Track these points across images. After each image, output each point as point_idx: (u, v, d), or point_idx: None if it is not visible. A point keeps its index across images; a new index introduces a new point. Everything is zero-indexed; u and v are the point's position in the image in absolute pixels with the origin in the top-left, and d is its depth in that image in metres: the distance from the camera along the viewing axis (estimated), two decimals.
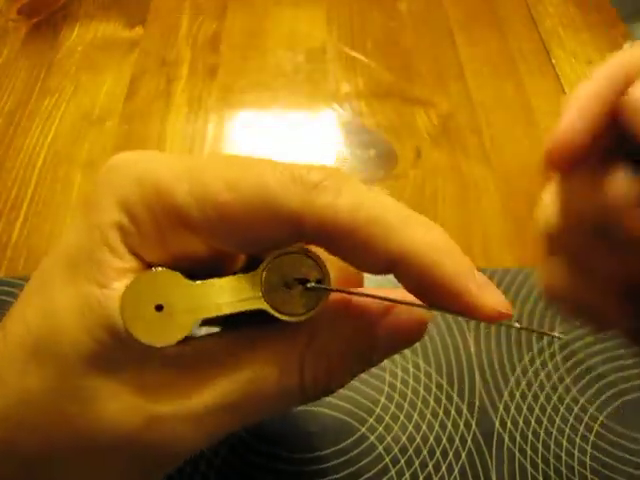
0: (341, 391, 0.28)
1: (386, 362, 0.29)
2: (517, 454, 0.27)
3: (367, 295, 0.16)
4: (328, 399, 0.28)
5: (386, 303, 0.16)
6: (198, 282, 0.14)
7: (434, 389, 0.28)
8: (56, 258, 0.16)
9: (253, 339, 0.16)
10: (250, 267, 0.15)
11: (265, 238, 0.14)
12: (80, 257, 0.15)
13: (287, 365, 0.15)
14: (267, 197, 0.14)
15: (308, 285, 0.14)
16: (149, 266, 0.15)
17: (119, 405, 0.15)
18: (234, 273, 0.15)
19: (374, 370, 0.29)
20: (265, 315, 0.15)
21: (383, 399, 0.28)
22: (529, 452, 0.27)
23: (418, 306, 0.15)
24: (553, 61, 0.46)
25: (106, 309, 0.14)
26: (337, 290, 0.15)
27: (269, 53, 0.45)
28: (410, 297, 0.15)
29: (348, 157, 0.39)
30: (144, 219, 0.14)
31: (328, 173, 0.14)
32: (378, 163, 0.38)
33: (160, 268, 0.14)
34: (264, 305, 0.14)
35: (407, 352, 0.30)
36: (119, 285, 0.14)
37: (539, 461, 0.27)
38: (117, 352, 0.15)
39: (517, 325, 0.15)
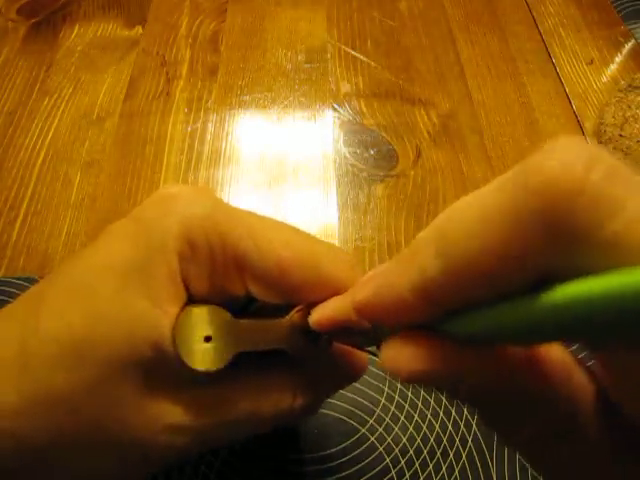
0: (341, 392, 0.28)
1: None
2: (518, 454, 0.27)
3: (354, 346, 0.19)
4: (328, 400, 0.28)
5: (350, 348, 0.19)
6: (243, 321, 0.17)
7: (435, 389, 0.28)
8: (101, 265, 0.17)
9: (257, 370, 0.18)
10: (248, 306, 0.19)
11: (304, 294, 0.17)
12: (135, 273, 0.16)
13: (283, 392, 0.18)
14: (318, 264, 0.17)
15: (324, 336, 0.17)
16: (190, 295, 0.17)
17: (142, 413, 0.16)
18: (256, 316, 0.17)
19: (374, 371, 0.29)
20: (280, 351, 0.17)
21: (383, 400, 0.28)
22: None
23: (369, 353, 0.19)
24: (553, 61, 0.46)
25: (157, 328, 0.16)
26: (341, 342, 0.18)
27: (269, 53, 0.45)
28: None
29: (348, 157, 0.39)
30: (204, 254, 0.16)
31: (356, 260, 0.18)
32: (378, 163, 0.38)
33: (212, 305, 0.17)
34: (288, 346, 0.17)
35: None
36: (171, 309, 0.16)
37: None
38: (154, 368, 0.16)
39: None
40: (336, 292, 0.17)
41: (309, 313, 0.17)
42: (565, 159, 0.09)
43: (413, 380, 0.12)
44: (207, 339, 0.16)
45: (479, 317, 0.11)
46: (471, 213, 0.10)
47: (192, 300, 0.17)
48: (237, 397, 0.17)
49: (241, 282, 0.17)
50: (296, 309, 0.17)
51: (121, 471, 0.17)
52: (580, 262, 0.10)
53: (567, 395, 0.13)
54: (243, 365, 0.18)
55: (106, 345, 0.16)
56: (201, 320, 0.16)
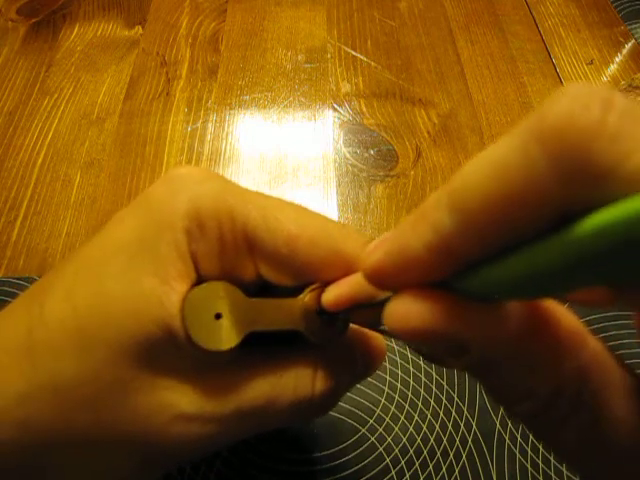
0: None
1: (386, 363, 0.29)
2: (518, 454, 0.27)
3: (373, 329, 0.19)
4: None
5: (372, 333, 0.19)
6: (254, 299, 0.16)
7: (435, 389, 0.28)
8: (109, 246, 0.16)
9: (274, 352, 0.17)
10: (264, 291, 0.18)
11: (316, 274, 0.16)
12: (143, 251, 0.16)
13: (301, 377, 0.17)
14: (331, 241, 0.16)
15: (339, 316, 0.17)
16: (199, 276, 0.16)
17: (152, 400, 0.15)
18: (272, 296, 0.17)
19: None
20: (294, 334, 0.17)
21: (383, 400, 0.28)
22: (530, 452, 0.27)
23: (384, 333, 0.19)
24: (553, 61, 0.46)
25: (164, 306, 0.15)
26: (357, 323, 0.18)
27: (269, 53, 0.45)
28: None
29: (348, 157, 0.39)
30: (212, 233, 0.16)
31: (369, 237, 0.17)
32: (378, 163, 0.38)
33: (222, 281, 0.16)
34: (302, 328, 0.17)
35: (407, 352, 0.29)
36: (178, 286, 0.15)
37: (539, 461, 0.27)
38: (163, 349, 0.15)
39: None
40: (349, 270, 0.16)
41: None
42: (579, 102, 0.09)
43: (419, 338, 0.12)
44: (217, 316, 0.15)
45: (498, 267, 0.11)
46: (483, 165, 0.10)
47: (203, 281, 0.16)
48: (253, 381, 0.16)
49: (252, 263, 0.17)
50: (310, 288, 0.17)
51: (133, 471, 0.16)
52: (601, 200, 0.09)
53: (578, 366, 0.12)
54: (260, 348, 0.17)
55: (111, 325, 0.15)
56: (211, 297, 0.16)
